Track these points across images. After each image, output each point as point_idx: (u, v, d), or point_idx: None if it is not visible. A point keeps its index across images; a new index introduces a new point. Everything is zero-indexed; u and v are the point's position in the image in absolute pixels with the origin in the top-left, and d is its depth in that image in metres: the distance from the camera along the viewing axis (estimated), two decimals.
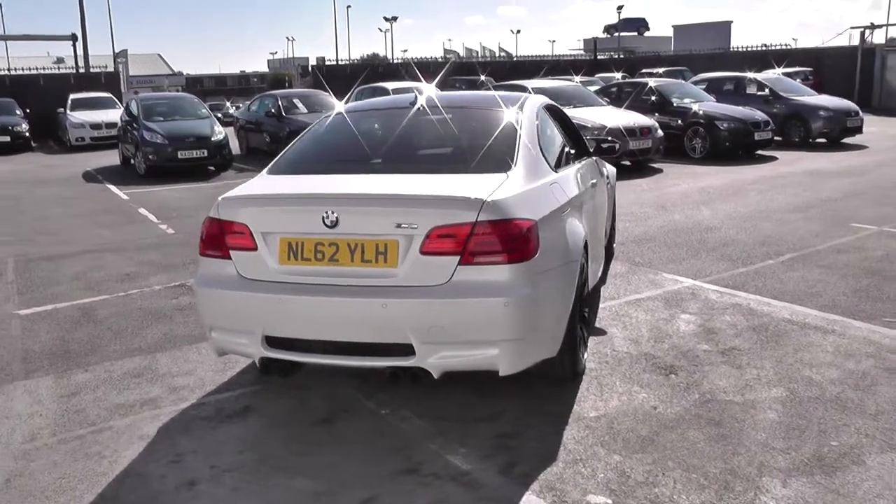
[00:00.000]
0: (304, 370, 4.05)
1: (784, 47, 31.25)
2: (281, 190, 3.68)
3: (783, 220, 8.14)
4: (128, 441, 3.61)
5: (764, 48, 31.00)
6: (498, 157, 3.78)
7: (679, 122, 14.51)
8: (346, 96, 17.95)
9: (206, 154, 13.67)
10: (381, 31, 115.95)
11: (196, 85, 72.30)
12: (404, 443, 3.45)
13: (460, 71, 33.52)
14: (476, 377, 3.71)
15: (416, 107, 4.36)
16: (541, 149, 4.07)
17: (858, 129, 15.44)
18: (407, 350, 3.25)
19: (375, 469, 3.22)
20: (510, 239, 3.24)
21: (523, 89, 14.09)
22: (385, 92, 17.37)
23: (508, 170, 3.68)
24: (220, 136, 14.02)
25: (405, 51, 62.34)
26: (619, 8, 49.80)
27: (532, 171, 3.76)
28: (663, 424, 3.55)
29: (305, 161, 4.14)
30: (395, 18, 63.94)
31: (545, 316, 3.43)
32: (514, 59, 42.37)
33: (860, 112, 15.76)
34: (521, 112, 4.27)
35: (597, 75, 28.21)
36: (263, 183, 3.90)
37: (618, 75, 27.76)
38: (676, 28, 62.76)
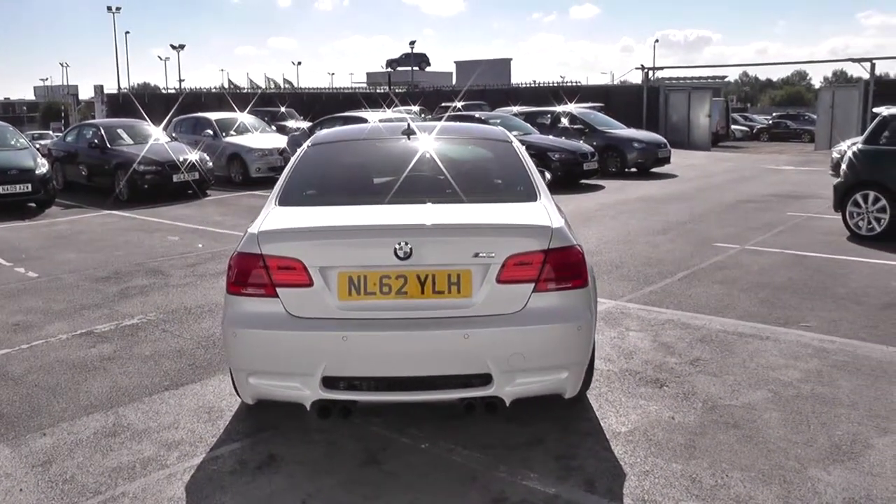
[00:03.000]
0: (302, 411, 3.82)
1: (574, 84, 34.27)
2: (339, 222, 3.49)
3: (652, 243, 8.97)
4: None
5: (557, 84, 33.74)
6: (524, 187, 3.91)
7: None
8: (162, 125, 16.98)
9: (29, 189, 12.20)
10: (160, 59, 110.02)
11: None
12: (470, 474, 3.42)
13: (258, 103, 32.69)
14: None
15: (413, 136, 4.33)
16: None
17: (667, 160, 17.35)
18: (484, 380, 3.25)
19: (463, 502, 3.17)
20: (574, 265, 3.38)
21: (364, 121, 14.25)
22: (208, 122, 16.66)
23: (537, 199, 3.82)
24: (45, 170, 12.60)
25: (182, 80, 59.50)
26: (412, 43, 51.92)
27: (550, 199, 3.93)
28: (691, 432, 3.84)
29: (324, 191, 3.94)
30: (182, 46, 60.80)
31: (594, 337, 3.59)
32: (305, 90, 42.01)
33: (668, 144, 17.75)
34: (514, 143, 4.43)
35: (401, 107, 28.83)
36: (295, 215, 3.65)
37: (416, 108, 28.53)
38: (458, 63, 66.23)
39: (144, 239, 9.86)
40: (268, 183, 15.68)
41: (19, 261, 8.52)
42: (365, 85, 53.25)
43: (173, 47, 59.95)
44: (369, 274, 3.24)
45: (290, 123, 23.45)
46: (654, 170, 17.35)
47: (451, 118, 17.77)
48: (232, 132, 16.33)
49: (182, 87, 44.90)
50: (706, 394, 4.33)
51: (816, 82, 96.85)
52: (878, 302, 6.20)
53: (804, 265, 7.56)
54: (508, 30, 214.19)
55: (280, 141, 15.96)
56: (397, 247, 3.20)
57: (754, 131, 34.79)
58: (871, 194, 8.50)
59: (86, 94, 58.73)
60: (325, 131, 4.95)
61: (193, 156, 13.80)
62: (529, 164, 4.21)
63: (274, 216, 3.63)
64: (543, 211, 3.60)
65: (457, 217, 3.50)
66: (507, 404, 3.35)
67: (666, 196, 13.37)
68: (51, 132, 37.04)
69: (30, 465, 3.66)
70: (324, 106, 30.14)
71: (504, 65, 57.86)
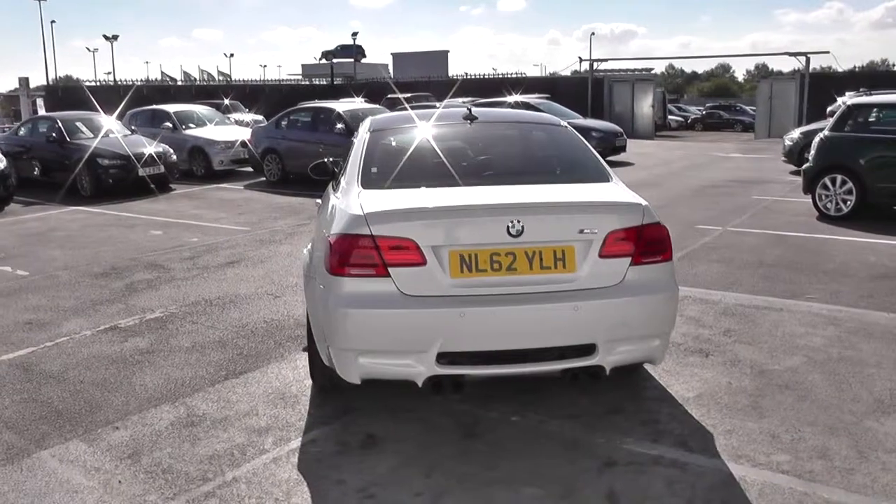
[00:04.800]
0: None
1: (519, 75, 34.74)
2: (449, 202, 3.56)
3: None
4: (277, 487, 3.30)
5: (502, 75, 34.11)
6: (595, 168, 4.13)
7: None
8: (113, 117, 16.45)
9: None
10: (88, 50, 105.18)
11: None
12: (571, 441, 3.62)
13: (200, 95, 32.05)
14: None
15: (475, 121, 4.44)
16: None
17: (623, 148, 17.91)
18: (588, 350, 3.44)
19: (578, 467, 3.36)
20: (662, 239, 3.62)
21: (331, 111, 14.21)
22: (166, 114, 16.26)
23: (610, 179, 4.04)
24: (3, 165, 12.10)
25: (109, 73, 57.25)
26: (355, 34, 51.41)
27: (619, 179, 4.14)
28: (751, 394, 4.14)
29: (408, 174, 3.96)
30: (115, 37, 58.42)
31: None
32: (249, 83, 41.30)
33: (624, 133, 18.31)
34: (570, 127, 4.63)
35: (342, 100, 28.70)
36: (396, 197, 3.66)
37: (359, 100, 28.38)
38: (395, 55, 66.02)
39: (126, 234, 9.63)
40: (232, 176, 15.47)
41: (1, 259, 8.22)
42: (300, 77, 52.54)
43: (106, 38, 57.37)
44: (480, 252, 3.37)
45: (237, 116, 23.04)
46: (610, 158, 17.83)
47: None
48: (191, 124, 15.98)
49: (116, 79, 43.33)
50: (750, 360, 4.64)
51: (739, 75, 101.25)
52: (865, 275, 6.68)
53: (787, 244, 8.05)
54: (437, 22, 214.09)
55: (242, 133, 15.71)
56: (510, 224, 3.34)
57: (689, 121, 36.08)
58: (839, 177, 9.09)
59: (2, 86, 55.88)
60: (379, 118, 4.94)
61: (158, 149, 13.48)
62: (589, 146, 4.43)
63: (371, 198, 3.65)
64: (625, 190, 3.83)
65: (562, 196, 3.68)
66: (608, 372, 3.55)
67: (633, 182, 13.48)
68: None
69: (116, 457, 3.65)
70: (268, 98, 29.74)
71: (441, 56, 57.92)
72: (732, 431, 3.68)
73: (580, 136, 4.53)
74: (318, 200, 5.41)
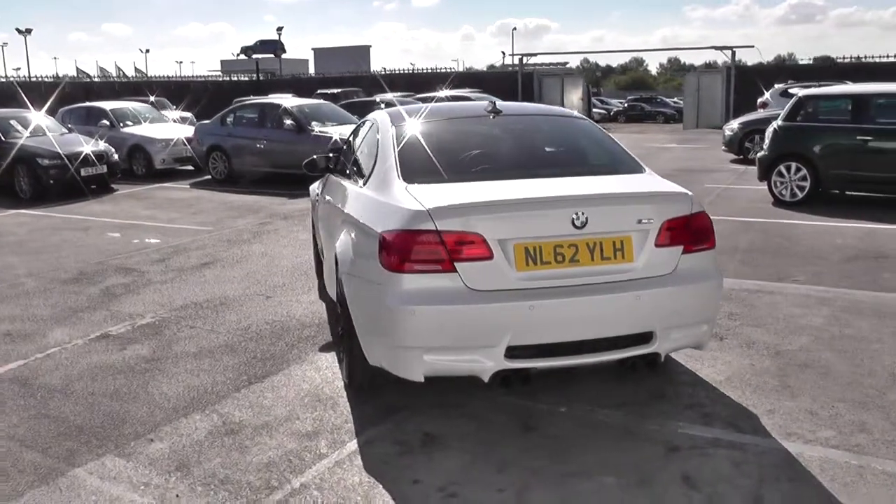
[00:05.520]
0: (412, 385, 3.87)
1: (448, 70, 34.89)
2: (512, 195, 3.54)
3: None
4: (353, 492, 3.23)
5: (431, 70, 34.18)
6: (627, 159, 4.23)
7: None
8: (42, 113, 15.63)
9: None
10: None
11: None
12: (625, 429, 3.69)
13: (125, 92, 30.93)
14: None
15: (500, 115, 4.44)
16: None
17: None
18: (646, 338, 3.52)
19: (643, 455, 3.43)
20: (707, 228, 3.75)
21: (278, 106, 13.92)
22: (102, 112, 15.55)
23: (644, 170, 4.13)
24: None
25: (18, 69, 54.27)
26: (279, 29, 50.51)
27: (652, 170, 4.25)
28: (776, 375, 4.32)
29: (452, 168, 3.89)
30: (29, 31, 55.14)
31: None
32: (174, 79, 40.19)
33: None
34: (588, 119, 4.72)
35: (270, 95, 28.29)
36: (453, 191, 3.59)
37: (288, 95, 28.04)
38: (316, 51, 65.20)
39: (82, 237, 9.19)
40: (174, 175, 14.94)
41: None
42: (220, 73, 51.14)
43: (20, 31, 54.05)
44: (544, 244, 3.40)
45: (166, 113, 22.23)
46: None
47: (351, 105, 17.58)
48: (128, 122, 15.33)
49: (31, 76, 41.11)
50: (763, 342, 4.84)
51: (652, 68, 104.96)
52: (837, 257, 7.07)
53: (755, 230, 8.41)
54: (352, 18, 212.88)
55: (182, 130, 15.18)
56: (574, 217, 3.38)
57: (612, 114, 37.04)
58: (794, 165, 9.57)
59: None
60: (394, 111, 4.70)
61: (99, 148, 12.87)
62: (612, 136, 4.52)
63: (427, 193, 3.59)
64: (663, 180, 3.93)
65: (621, 187, 3.74)
66: (662, 359, 3.64)
67: None
68: None
69: (164, 471, 3.49)
70: (195, 95, 28.81)
71: (363, 51, 57.54)
72: (773, 411, 3.84)
73: (600, 127, 4.62)
74: (329, 197, 5.29)
